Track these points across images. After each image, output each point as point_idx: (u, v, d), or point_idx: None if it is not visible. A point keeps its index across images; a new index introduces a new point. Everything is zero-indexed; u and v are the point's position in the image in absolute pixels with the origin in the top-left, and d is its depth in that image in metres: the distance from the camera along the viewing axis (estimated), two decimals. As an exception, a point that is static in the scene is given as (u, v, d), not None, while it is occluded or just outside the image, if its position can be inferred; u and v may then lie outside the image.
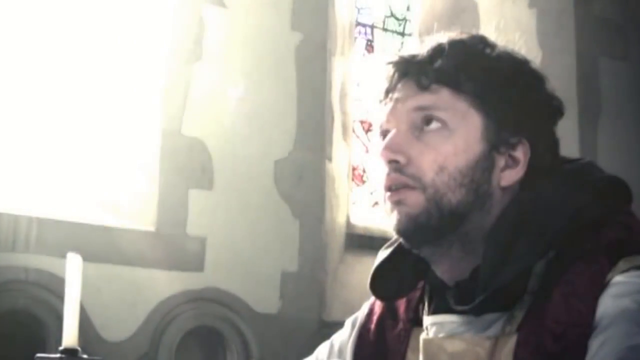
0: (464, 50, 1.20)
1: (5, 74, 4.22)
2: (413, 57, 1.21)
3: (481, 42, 1.21)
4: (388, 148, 1.17)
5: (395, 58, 1.22)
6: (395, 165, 1.17)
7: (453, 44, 1.20)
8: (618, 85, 5.63)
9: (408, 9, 5.91)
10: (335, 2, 5.19)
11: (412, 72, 1.20)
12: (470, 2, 5.81)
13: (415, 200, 1.16)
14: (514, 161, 1.19)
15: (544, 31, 5.57)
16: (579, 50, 5.56)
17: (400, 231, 1.18)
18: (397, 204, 1.17)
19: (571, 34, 5.59)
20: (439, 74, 1.18)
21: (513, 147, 1.18)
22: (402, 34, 5.87)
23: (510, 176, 1.18)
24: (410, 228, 1.17)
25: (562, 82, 4.94)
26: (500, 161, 1.18)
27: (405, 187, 1.17)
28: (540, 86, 1.22)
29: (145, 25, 4.50)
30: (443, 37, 1.22)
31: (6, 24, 4.23)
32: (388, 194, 1.18)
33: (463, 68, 1.18)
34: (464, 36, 1.22)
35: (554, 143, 1.22)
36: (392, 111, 1.20)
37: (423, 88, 1.18)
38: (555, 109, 1.22)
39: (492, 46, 1.21)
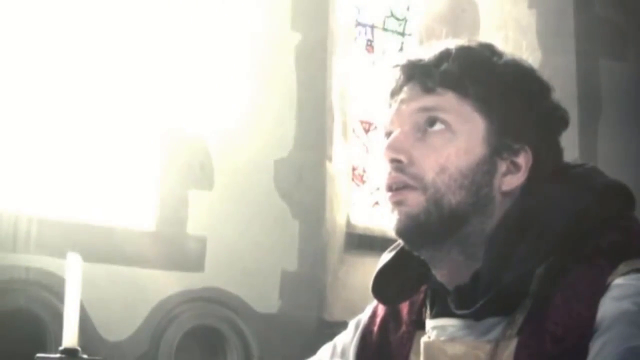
0: (471, 55, 1.20)
1: (6, 74, 4.22)
2: (419, 60, 1.21)
3: (488, 50, 1.22)
4: (391, 147, 1.18)
5: (401, 61, 1.23)
6: (397, 165, 1.18)
7: (460, 49, 1.21)
8: (618, 86, 5.63)
9: (408, 9, 5.91)
10: (335, 2, 5.19)
11: (418, 75, 1.20)
12: (470, 2, 5.81)
13: (416, 200, 1.17)
14: (516, 167, 1.19)
15: (544, 31, 5.57)
16: (579, 50, 5.56)
17: (399, 231, 1.18)
18: (397, 204, 1.18)
19: (571, 34, 5.59)
20: (444, 77, 1.18)
21: (515, 153, 1.19)
22: (402, 34, 5.87)
23: (511, 181, 1.19)
24: (409, 228, 1.17)
25: (562, 82, 4.94)
26: (502, 166, 1.19)
27: (406, 187, 1.17)
28: (545, 95, 1.22)
29: (146, 25, 4.50)
30: (450, 43, 1.22)
31: (8, 24, 4.23)
32: (389, 194, 1.19)
33: (469, 72, 1.19)
34: (472, 43, 1.23)
35: (558, 152, 1.23)
36: (397, 113, 1.21)
37: (428, 90, 1.19)
38: (559, 119, 1.23)
39: (500, 54, 1.22)
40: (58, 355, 1.58)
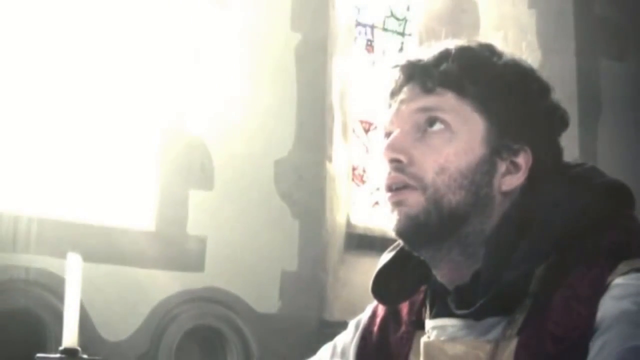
0: (471, 56, 1.20)
1: (6, 73, 4.22)
2: (419, 60, 1.22)
3: (488, 50, 1.22)
4: (390, 147, 1.18)
5: (401, 61, 1.23)
6: (396, 165, 1.18)
7: (460, 49, 1.21)
8: (618, 86, 5.63)
9: (408, 9, 5.91)
10: (335, 2, 5.19)
11: (417, 75, 1.21)
12: (470, 2, 5.81)
13: (416, 200, 1.17)
14: (515, 167, 1.19)
15: (544, 31, 5.57)
16: (579, 50, 5.56)
17: (399, 231, 1.18)
18: (397, 204, 1.18)
19: (571, 34, 5.59)
20: (444, 77, 1.19)
21: (515, 153, 1.19)
22: (402, 34, 5.87)
23: (511, 181, 1.19)
24: (409, 228, 1.17)
25: (562, 82, 4.94)
26: (502, 166, 1.19)
27: (406, 187, 1.17)
28: (545, 96, 1.22)
29: (146, 25, 4.50)
30: (450, 43, 1.22)
31: (7, 24, 4.23)
32: (389, 194, 1.19)
33: (468, 73, 1.19)
34: (472, 43, 1.23)
35: (557, 152, 1.23)
36: (397, 113, 1.21)
37: (428, 91, 1.19)
38: (559, 119, 1.23)
39: (499, 54, 1.22)
40: (58, 355, 1.58)
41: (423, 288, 1.28)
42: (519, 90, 1.20)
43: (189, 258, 4.33)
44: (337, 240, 5.05)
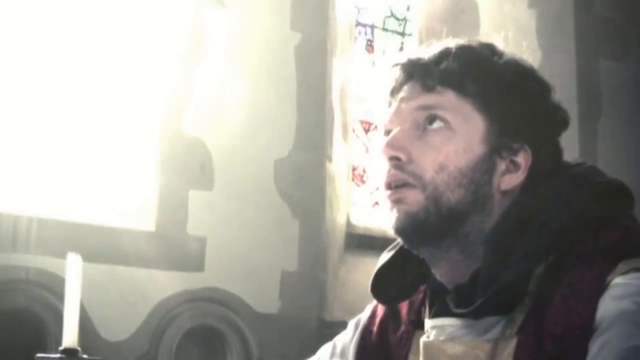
0: (471, 54, 1.21)
1: (6, 73, 4.22)
2: (419, 59, 1.22)
3: (489, 49, 1.23)
4: (390, 145, 1.18)
5: (402, 60, 1.23)
6: (396, 163, 1.18)
7: (460, 48, 1.21)
8: (618, 86, 5.63)
9: (408, 9, 5.91)
10: (335, 2, 5.19)
11: (418, 73, 1.21)
12: (470, 2, 5.81)
13: (415, 198, 1.17)
14: (515, 166, 1.19)
15: (544, 31, 5.57)
16: (579, 50, 5.56)
17: (398, 229, 1.18)
18: (396, 202, 1.18)
19: (571, 34, 5.59)
20: (444, 76, 1.19)
21: (515, 152, 1.19)
22: (402, 34, 5.87)
23: (510, 180, 1.19)
24: (408, 226, 1.17)
25: (562, 82, 4.94)
26: (501, 165, 1.19)
27: (405, 185, 1.17)
28: (545, 95, 1.22)
29: (145, 25, 4.50)
30: (451, 42, 1.22)
31: (7, 23, 4.23)
32: (388, 192, 1.19)
33: (469, 71, 1.19)
34: (472, 42, 1.23)
35: (557, 151, 1.23)
36: (396, 111, 1.21)
37: (428, 89, 1.19)
38: (559, 119, 1.23)
39: (500, 54, 1.22)
40: (58, 355, 1.58)
41: (423, 287, 1.28)
42: (519, 89, 1.20)
43: (189, 258, 4.33)
44: (337, 240, 5.05)
